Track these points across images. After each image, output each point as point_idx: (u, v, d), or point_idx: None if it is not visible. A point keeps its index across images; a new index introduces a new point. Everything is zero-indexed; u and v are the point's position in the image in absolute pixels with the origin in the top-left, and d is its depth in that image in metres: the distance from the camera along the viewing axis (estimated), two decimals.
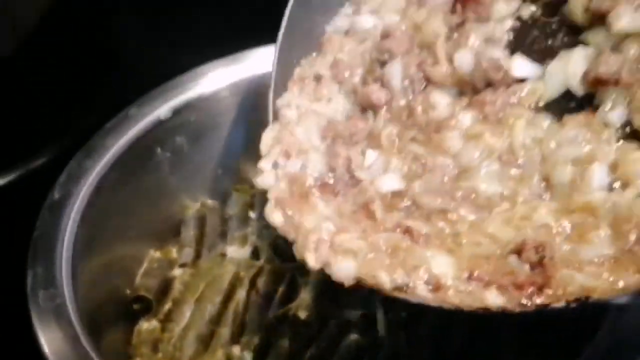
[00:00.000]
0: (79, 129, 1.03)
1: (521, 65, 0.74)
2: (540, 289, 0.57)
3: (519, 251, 0.61)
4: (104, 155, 0.99)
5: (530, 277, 0.58)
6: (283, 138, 0.76)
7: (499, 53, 0.75)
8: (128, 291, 1.05)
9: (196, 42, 1.11)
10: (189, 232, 1.12)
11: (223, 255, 1.11)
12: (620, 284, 0.55)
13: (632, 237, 0.57)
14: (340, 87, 0.83)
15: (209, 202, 1.17)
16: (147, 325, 1.02)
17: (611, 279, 0.55)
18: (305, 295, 0.98)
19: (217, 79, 1.09)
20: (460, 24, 0.79)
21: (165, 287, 1.06)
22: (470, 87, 0.75)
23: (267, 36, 0.91)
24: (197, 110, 1.08)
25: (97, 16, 1.05)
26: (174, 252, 1.12)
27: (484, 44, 0.76)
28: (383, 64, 0.81)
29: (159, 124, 1.06)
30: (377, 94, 0.79)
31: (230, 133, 1.13)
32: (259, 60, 1.08)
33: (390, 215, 0.69)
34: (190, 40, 1.08)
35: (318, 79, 0.83)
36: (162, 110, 1.06)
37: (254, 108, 1.07)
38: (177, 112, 1.07)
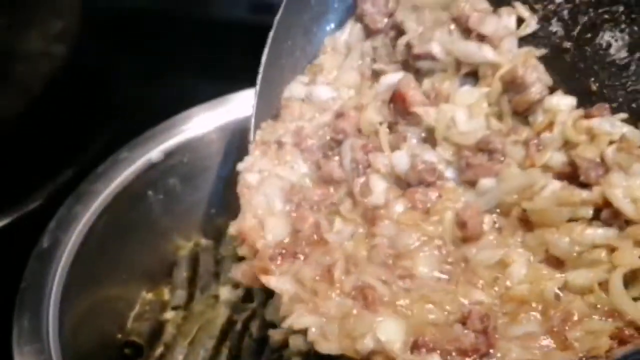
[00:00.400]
0: (69, 173, 1.03)
1: None
2: (482, 357, 0.63)
3: (464, 321, 0.65)
4: (94, 201, 0.99)
5: (474, 344, 0.63)
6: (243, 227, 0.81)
7: (433, 157, 0.80)
8: (119, 335, 1.04)
9: (183, 87, 1.11)
10: (182, 274, 1.11)
11: (216, 297, 1.10)
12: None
13: (557, 321, 0.64)
14: (303, 155, 0.86)
15: (203, 241, 1.16)
16: None
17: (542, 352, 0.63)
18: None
19: (206, 121, 1.10)
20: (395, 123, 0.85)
21: (157, 330, 1.05)
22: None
23: (253, 79, 0.93)
24: (188, 151, 1.08)
25: (88, 65, 1.04)
26: (166, 294, 1.12)
27: (420, 144, 0.82)
28: (337, 142, 0.85)
29: (151, 167, 1.05)
30: (337, 171, 0.83)
31: (222, 172, 1.12)
32: (244, 103, 1.08)
33: (349, 277, 0.72)
34: (177, 85, 1.07)
35: (280, 144, 0.87)
36: (153, 153, 1.05)
37: (243, 147, 1.06)
38: (168, 154, 1.07)
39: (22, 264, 0.91)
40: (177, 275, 1.12)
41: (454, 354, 0.63)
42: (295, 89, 0.94)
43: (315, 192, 0.83)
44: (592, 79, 0.82)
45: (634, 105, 0.78)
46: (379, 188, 0.80)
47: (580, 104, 0.80)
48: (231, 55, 1.08)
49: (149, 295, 1.10)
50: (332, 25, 0.99)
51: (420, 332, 0.65)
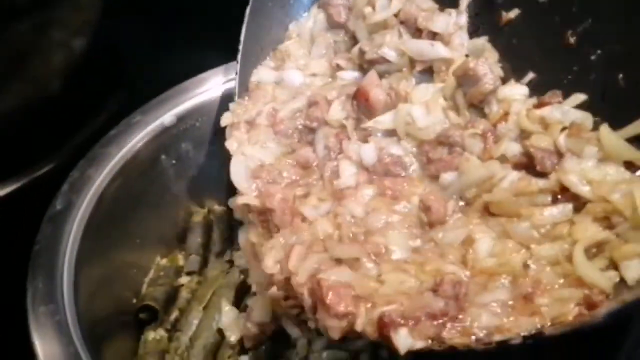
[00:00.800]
0: (82, 137, 1.02)
1: None
2: (453, 320, 0.65)
3: (436, 288, 0.67)
4: (107, 164, 0.98)
5: (444, 309, 0.65)
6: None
7: (399, 150, 0.83)
8: (134, 300, 1.03)
9: (197, 51, 1.09)
10: (196, 240, 1.11)
11: (230, 262, 1.10)
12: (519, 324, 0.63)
13: (525, 289, 0.66)
14: (276, 137, 0.90)
15: (216, 207, 1.16)
16: (154, 335, 1.01)
17: (511, 319, 0.64)
18: None
19: (219, 85, 1.08)
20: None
21: (171, 295, 1.05)
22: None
23: None
24: (201, 115, 1.07)
25: (101, 28, 1.03)
26: (180, 259, 1.11)
27: (386, 137, 0.85)
28: (311, 129, 0.90)
29: (164, 131, 1.04)
30: (311, 156, 0.87)
31: None
32: None
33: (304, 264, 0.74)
34: (191, 49, 1.06)
35: (253, 124, 0.91)
36: (166, 116, 1.04)
37: None
38: (181, 118, 1.05)
39: (35, 226, 0.91)
40: (191, 241, 1.11)
41: (423, 319, 0.64)
42: (264, 72, 0.98)
43: (290, 171, 0.86)
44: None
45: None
46: (348, 172, 0.83)
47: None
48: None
49: (164, 261, 1.10)
50: None
51: (391, 301, 0.67)
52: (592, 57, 0.78)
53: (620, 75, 0.74)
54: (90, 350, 0.80)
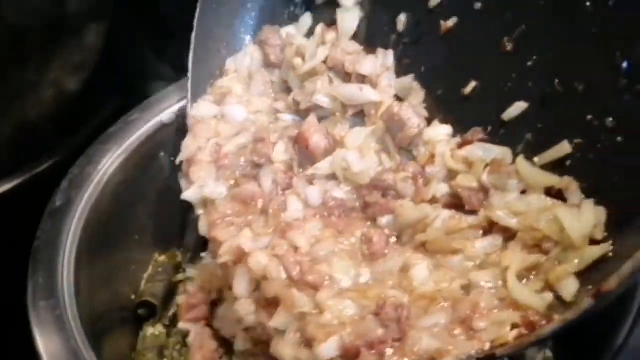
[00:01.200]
0: (82, 135, 1.02)
1: None
2: (394, 345, 0.67)
3: (379, 312, 0.69)
4: (106, 161, 0.99)
5: (384, 336, 0.67)
6: None
7: (342, 193, 0.86)
8: (133, 296, 1.04)
9: None
10: (193, 236, 1.11)
11: None
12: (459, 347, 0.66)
13: (464, 313, 0.67)
14: (219, 172, 0.91)
15: None
16: (152, 330, 1.02)
17: (451, 342, 0.66)
18: None
19: None
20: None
21: (170, 292, 1.06)
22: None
23: None
24: None
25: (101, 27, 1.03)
26: (179, 256, 1.12)
27: (329, 180, 0.87)
28: (257, 165, 0.91)
29: (162, 128, 1.05)
30: (257, 191, 0.88)
31: None
32: None
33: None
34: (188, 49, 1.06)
35: (193, 161, 0.92)
36: (164, 114, 1.05)
37: None
38: (180, 115, 1.06)
39: (35, 223, 0.91)
40: (189, 236, 1.12)
41: (363, 350, 0.66)
42: (204, 107, 0.99)
43: (228, 207, 0.87)
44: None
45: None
46: (295, 207, 0.85)
47: None
48: None
49: (162, 258, 1.11)
50: (253, 14, 1.04)
51: (332, 332, 0.68)
52: (529, 63, 0.78)
53: (557, 81, 0.75)
54: (90, 345, 0.81)
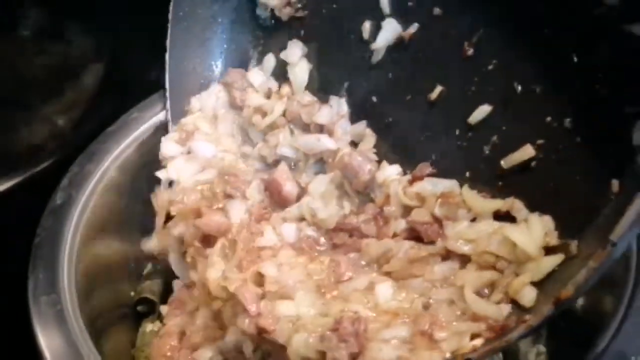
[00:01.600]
0: (81, 133, 1.03)
1: None
2: (354, 358, 0.69)
3: (337, 327, 0.71)
4: (106, 159, 1.00)
5: (344, 348, 0.69)
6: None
7: (314, 232, 0.90)
8: (132, 293, 1.05)
9: None
10: None
11: None
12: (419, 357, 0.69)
13: (425, 325, 0.71)
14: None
15: None
16: (152, 326, 1.03)
17: (412, 352, 0.69)
18: None
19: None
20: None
21: (169, 288, 1.07)
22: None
23: None
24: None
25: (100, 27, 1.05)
26: None
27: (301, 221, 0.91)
28: (228, 196, 0.93)
29: (161, 127, 1.06)
30: (223, 220, 0.90)
31: None
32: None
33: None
34: None
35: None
36: (163, 113, 1.06)
37: None
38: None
39: (35, 221, 0.92)
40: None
41: None
42: (170, 147, 1.01)
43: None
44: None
45: None
46: (271, 236, 0.88)
47: None
48: None
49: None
50: (226, 22, 1.06)
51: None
52: (490, 67, 0.80)
53: (516, 83, 0.77)
54: (90, 340, 0.82)
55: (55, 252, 0.88)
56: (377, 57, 0.91)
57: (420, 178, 0.86)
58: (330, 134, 0.95)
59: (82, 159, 1.00)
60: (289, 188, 0.94)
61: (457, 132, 0.84)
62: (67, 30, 1.03)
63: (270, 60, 1.04)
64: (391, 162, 0.91)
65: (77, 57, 1.05)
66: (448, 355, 0.68)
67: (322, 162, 0.96)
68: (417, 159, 0.88)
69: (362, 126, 0.95)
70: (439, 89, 0.86)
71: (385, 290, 0.78)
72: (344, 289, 0.80)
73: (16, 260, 0.88)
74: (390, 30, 0.89)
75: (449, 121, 0.85)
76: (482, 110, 0.81)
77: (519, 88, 0.77)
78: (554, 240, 0.70)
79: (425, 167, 0.86)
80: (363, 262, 0.84)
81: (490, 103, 0.80)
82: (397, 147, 0.92)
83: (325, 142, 0.94)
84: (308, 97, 0.99)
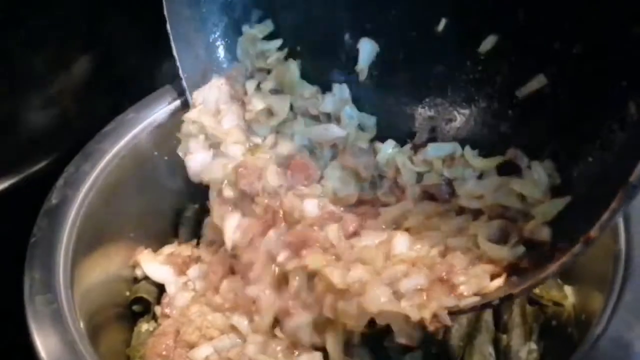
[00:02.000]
0: (77, 134, 1.04)
1: None
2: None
3: None
4: (102, 159, 1.01)
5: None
6: None
7: (335, 208, 0.93)
8: (127, 293, 1.06)
9: None
10: (187, 234, 1.13)
11: None
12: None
13: (442, 272, 0.75)
14: None
15: (208, 203, 1.17)
16: (147, 326, 1.03)
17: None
18: None
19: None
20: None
21: (164, 288, 1.07)
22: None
23: None
24: None
25: (95, 25, 1.05)
26: None
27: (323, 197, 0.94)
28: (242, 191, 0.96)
29: (157, 127, 1.07)
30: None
31: None
32: None
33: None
34: None
35: None
36: (159, 113, 1.07)
37: None
38: (174, 115, 1.08)
39: (31, 221, 0.93)
40: (182, 235, 1.13)
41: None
42: (200, 157, 1.03)
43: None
44: None
45: None
46: (312, 206, 0.92)
47: None
48: None
49: None
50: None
51: None
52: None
53: (520, 11, 0.80)
54: (86, 339, 0.83)
55: (51, 252, 0.89)
56: None
57: (422, 145, 0.92)
58: (338, 120, 0.99)
59: (78, 159, 1.00)
60: (314, 167, 0.98)
61: (469, 63, 0.88)
62: (61, 29, 1.03)
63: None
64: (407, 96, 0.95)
65: (72, 58, 1.05)
66: (468, 295, 0.72)
67: (336, 147, 1.00)
68: (433, 94, 0.93)
69: (366, 115, 1.00)
70: (443, 21, 0.88)
71: (402, 241, 0.82)
72: (357, 243, 0.84)
73: (12, 260, 0.88)
74: None
75: (459, 53, 0.88)
76: (490, 40, 0.84)
77: (524, 16, 0.79)
78: (557, 180, 0.76)
79: (422, 135, 0.93)
80: (383, 226, 0.88)
81: (496, 33, 0.83)
82: (412, 82, 0.96)
83: (333, 130, 0.98)
84: (309, 89, 1.02)
